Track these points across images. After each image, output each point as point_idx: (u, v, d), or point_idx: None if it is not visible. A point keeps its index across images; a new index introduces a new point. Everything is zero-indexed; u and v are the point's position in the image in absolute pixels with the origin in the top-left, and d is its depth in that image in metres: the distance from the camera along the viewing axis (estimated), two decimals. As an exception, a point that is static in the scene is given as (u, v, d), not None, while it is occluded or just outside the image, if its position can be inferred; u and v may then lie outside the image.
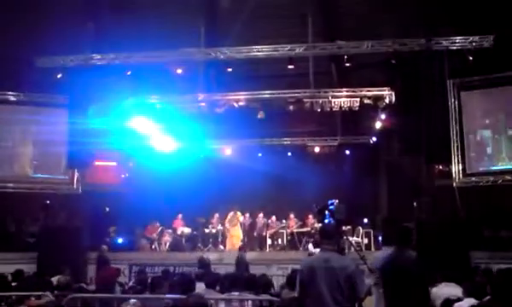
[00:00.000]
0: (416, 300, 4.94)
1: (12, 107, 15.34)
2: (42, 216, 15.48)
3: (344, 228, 14.10)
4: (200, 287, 6.92)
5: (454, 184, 13.96)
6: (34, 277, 9.01)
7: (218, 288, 7.15)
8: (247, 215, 16.85)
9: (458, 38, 12.60)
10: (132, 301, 5.24)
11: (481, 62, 12.75)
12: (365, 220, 16.40)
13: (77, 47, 13.61)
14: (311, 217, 15.87)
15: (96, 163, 15.86)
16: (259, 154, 18.51)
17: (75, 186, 15.50)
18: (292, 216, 16.72)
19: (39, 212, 15.52)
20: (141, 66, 13.75)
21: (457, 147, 13.99)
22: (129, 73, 13.67)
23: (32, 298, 6.31)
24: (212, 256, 14.22)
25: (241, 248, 13.44)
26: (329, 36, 14.09)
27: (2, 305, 6.38)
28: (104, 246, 13.35)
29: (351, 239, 14.40)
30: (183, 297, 5.63)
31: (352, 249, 9.82)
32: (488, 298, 5.67)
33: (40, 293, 6.43)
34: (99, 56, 13.55)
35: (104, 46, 13.76)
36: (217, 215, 16.75)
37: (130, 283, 10.07)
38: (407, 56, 12.98)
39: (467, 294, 6.10)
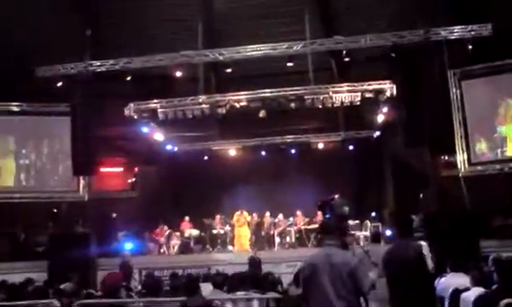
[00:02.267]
0: (418, 290, 4.94)
1: (15, 118, 15.46)
2: (50, 224, 15.59)
3: (352, 222, 14.06)
4: (207, 288, 6.95)
5: (460, 174, 13.90)
6: (44, 286, 9.03)
7: (225, 288, 7.17)
8: (254, 214, 16.84)
9: (457, 28, 12.51)
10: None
11: (481, 51, 12.66)
12: (373, 214, 16.37)
13: (76, 54, 13.67)
14: (320, 213, 15.83)
15: (102, 169, 15.91)
16: (263, 153, 18.52)
17: (81, 193, 15.59)
18: (299, 213, 16.67)
19: (47, 221, 15.62)
20: (141, 70, 13.80)
21: (461, 136, 13.90)
22: (129, 78, 13.72)
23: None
24: (222, 256, 14.39)
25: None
26: (327, 31, 14.05)
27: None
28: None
29: (359, 233, 14.43)
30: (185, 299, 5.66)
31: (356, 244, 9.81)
32: (495, 286, 5.66)
33: (47, 301, 6.47)
34: (98, 63, 13.61)
35: (103, 52, 13.80)
36: (218, 216, 16.74)
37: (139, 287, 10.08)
38: (406, 48, 12.90)
39: (474, 283, 6.08)
